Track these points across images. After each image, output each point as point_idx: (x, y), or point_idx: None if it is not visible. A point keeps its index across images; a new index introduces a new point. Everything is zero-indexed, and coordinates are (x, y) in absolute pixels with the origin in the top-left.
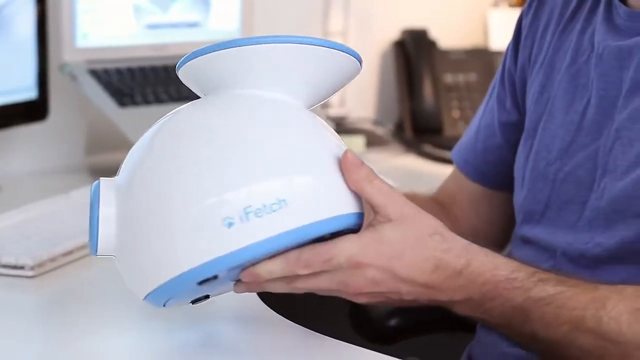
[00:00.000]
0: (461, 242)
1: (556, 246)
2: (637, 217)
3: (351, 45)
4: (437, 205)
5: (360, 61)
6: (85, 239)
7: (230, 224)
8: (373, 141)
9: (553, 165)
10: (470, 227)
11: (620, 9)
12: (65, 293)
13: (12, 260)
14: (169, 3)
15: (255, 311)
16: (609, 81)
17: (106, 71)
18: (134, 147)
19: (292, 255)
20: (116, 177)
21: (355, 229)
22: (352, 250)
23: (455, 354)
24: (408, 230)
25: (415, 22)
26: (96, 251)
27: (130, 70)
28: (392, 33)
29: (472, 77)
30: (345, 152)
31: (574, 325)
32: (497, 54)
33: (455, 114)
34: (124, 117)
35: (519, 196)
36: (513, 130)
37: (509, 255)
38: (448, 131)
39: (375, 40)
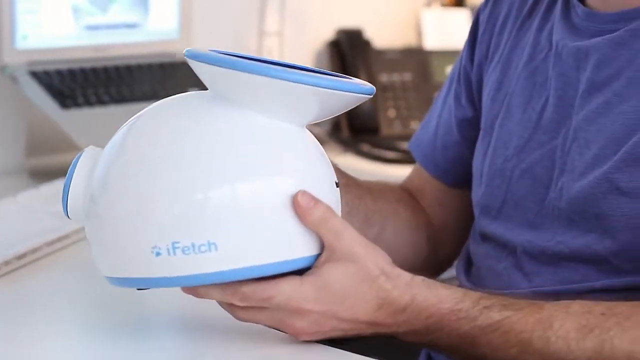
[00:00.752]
0: (404, 279)
1: (516, 243)
2: (597, 218)
3: (286, 45)
4: (407, 194)
5: (372, 93)
6: (39, 240)
7: (157, 254)
8: None
9: (510, 162)
10: (439, 221)
11: (579, 8)
12: (21, 297)
13: None
14: (108, 4)
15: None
16: (567, 81)
17: (47, 73)
18: (110, 143)
19: (231, 286)
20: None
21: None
22: (292, 294)
23: (414, 352)
24: (353, 273)
25: (349, 22)
26: (67, 214)
27: (71, 72)
28: (326, 33)
29: (407, 76)
30: (296, 195)
31: (523, 347)
32: (431, 53)
33: (391, 113)
34: (67, 119)
35: (477, 192)
36: (469, 127)
37: (467, 252)
38: (385, 130)
39: (310, 40)
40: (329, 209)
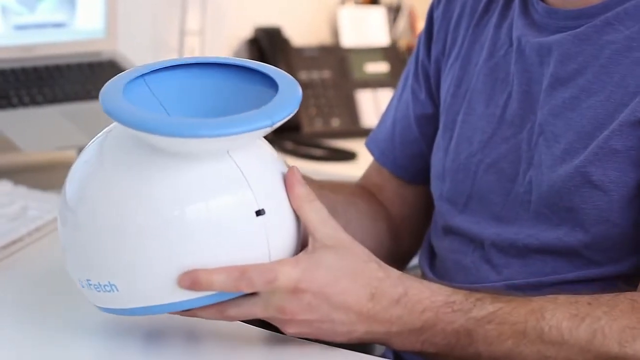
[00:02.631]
0: (396, 272)
1: (483, 236)
2: (568, 212)
3: (206, 44)
4: (363, 189)
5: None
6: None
7: (82, 285)
8: None
9: (475, 157)
10: (399, 214)
11: (538, 5)
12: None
13: None
14: (36, 3)
15: None
16: (530, 77)
17: None
18: (83, 158)
19: (235, 270)
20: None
21: None
22: (293, 274)
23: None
24: (344, 257)
25: (266, 20)
26: None
27: (1, 72)
28: (244, 31)
29: (326, 74)
30: (291, 167)
31: (517, 339)
32: (348, 50)
33: (312, 110)
34: (3, 120)
35: (440, 187)
36: (428, 123)
37: (430, 246)
38: (306, 128)
39: (228, 38)
40: (312, 192)
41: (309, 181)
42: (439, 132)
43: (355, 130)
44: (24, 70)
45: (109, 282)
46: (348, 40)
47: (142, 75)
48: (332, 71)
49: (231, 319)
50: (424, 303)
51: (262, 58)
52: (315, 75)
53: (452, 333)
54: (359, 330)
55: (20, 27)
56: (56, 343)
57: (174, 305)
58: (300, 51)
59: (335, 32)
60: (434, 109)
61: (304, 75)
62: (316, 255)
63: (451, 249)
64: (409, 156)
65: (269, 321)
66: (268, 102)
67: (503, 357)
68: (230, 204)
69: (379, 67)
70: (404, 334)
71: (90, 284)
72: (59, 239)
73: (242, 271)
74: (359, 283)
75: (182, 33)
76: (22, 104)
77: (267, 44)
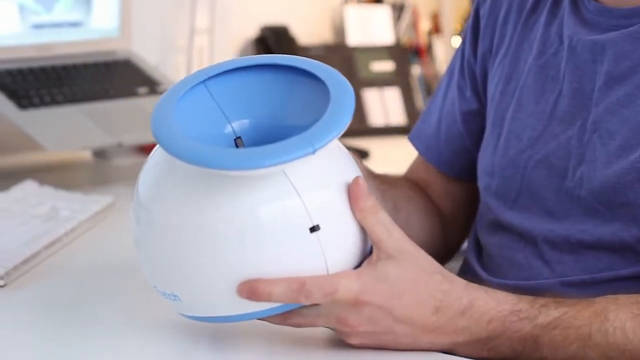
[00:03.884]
0: (461, 282)
1: (535, 233)
2: (622, 207)
3: (215, 43)
4: (419, 187)
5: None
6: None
7: (155, 289)
8: None
9: (524, 153)
10: (447, 210)
11: (590, 4)
12: (39, 300)
13: None
14: (53, 3)
15: None
16: (582, 74)
17: None
18: (152, 163)
19: (295, 282)
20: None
21: None
22: (353, 287)
23: None
24: (408, 269)
25: (270, 19)
26: None
27: (21, 71)
28: (250, 30)
29: None
30: (356, 179)
31: (583, 342)
32: (354, 49)
33: None
34: (27, 120)
35: (489, 183)
36: (474, 119)
37: (476, 241)
38: None
39: (234, 37)
40: (377, 203)
41: (370, 175)
42: (487, 129)
43: (363, 129)
44: (42, 70)
45: (172, 292)
46: (353, 39)
47: (203, 81)
48: (338, 69)
49: (294, 326)
50: (491, 313)
51: None
52: None
53: (519, 340)
54: (423, 341)
55: (38, 27)
56: (108, 341)
57: (235, 317)
58: (306, 50)
59: (339, 31)
60: (480, 106)
61: None
62: (379, 267)
63: (501, 244)
64: (454, 152)
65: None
66: (321, 102)
67: None
68: (285, 221)
69: (385, 66)
70: (470, 344)
71: (158, 290)
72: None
73: (301, 283)
74: (423, 296)
75: (192, 32)
76: (43, 103)
77: (274, 43)
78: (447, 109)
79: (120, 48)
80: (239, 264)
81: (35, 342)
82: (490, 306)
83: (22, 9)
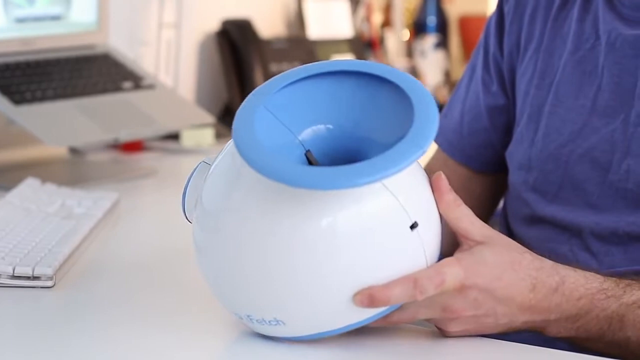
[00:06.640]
0: (549, 261)
1: (581, 225)
2: None
3: (181, 36)
4: None
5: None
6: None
7: (239, 316)
8: (220, 133)
9: (565, 148)
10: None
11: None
12: (85, 301)
13: (27, 271)
14: None
15: None
16: (622, 69)
17: None
18: (219, 163)
19: (408, 281)
20: (212, 165)
21: None
22: (459, 273)
23: None
24: (501, 251)
25: (232, 13)
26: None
27: (8, 66)
28: (212, 24)
29: (296, 65)
30: (439, 174)
31: None
32: (314, 42)
33: None
34: (24, 116)
35: (525, 178)
36: (501, 114)
37: (510, 234)
38: None
39: (196, 31)
40: (457, 196)
41: None
42: (522, 123)
43: None
44: (28, 65)
45: (275, 318)
46: (314, 32)
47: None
48: (301, 63)
49: (394, 323)
50: (580, 290)
51: (234, 51)
52: (285, 67)
53: (605, 319)
54: (519, 320)
55: (21, 20)
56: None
57: (342, 329)
58: (268, 43)
59: (300, 25)
60: (507, 101)
61: (274, 67)
62: (476, 252)
63: (542, 237)
64: (477, 146)
65: (431, 322)
66: (399, 108)
67: None
68: (387, 223)
69: (345, 58)
70: (560, 321)
71: (251, 319)
72: (200, 267)
73: (414, 281)
74: (520, 275)
75: (160, 26)
76: (35, 99)
77: (239, 37)
78: (471, 103)
79: (99, 42)
80: (351, 275)
81: (97, 341)
82: (580, 283)
83: (5, 2)
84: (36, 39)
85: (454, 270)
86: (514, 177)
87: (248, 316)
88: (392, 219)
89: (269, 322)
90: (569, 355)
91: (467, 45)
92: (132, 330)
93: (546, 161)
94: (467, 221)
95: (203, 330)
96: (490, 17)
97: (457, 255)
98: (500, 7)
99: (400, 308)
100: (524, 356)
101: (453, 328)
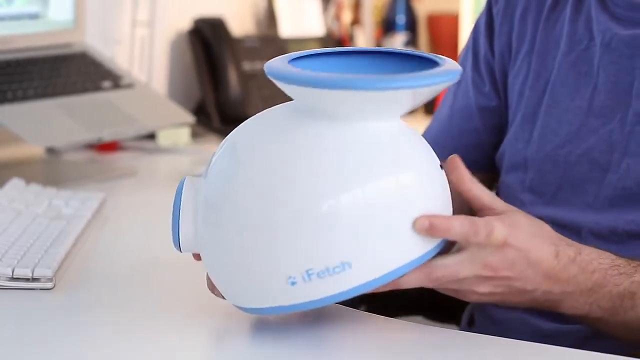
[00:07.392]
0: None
1: (580, 225)
2: None
3: (154, 34)
4: None
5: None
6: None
7: (293, 283)
8: (195, 132)
9: (563, 149)
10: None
11: (619, 0)
12: (84, 302)
13: (27, 273)
14: None
15: None
16: (620, 69)
17: None
18: (215, 167)
19: (465, 219)
20: (201, 177)
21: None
22: (504, 229)
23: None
24: (530, 218)
25: (204, 11)
26: (180, 248)
27: None
28: (183, 22)
29: None
30: (455, 155)
31: None
32: (287, 40)
33: (258, 100)
34: (7, 116)
35: (520, 178)
36: (492, 115)
37: None
38: None
39: (168, 29)
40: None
41: None
42: (516, 124)
43: None
44: (8, 64)
45: (341, 262)
46: (286, 30)
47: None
48: None
49: (437, 280)
50: (594, 264)
51: (206, 49)
52: (258, 65)
53: (617, 296)
54: (541, 289)
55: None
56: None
57: (406, 266)
58: (240, 42)
59: (271, 23)
60: (499, 101)
61: (247, 65)
62: (510, 216)
63: None
64: (465, 146)
65: (458, 288)
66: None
67: None
68: (430, 159)
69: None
70: (575, 294)
71: (310, 274)
72: (225, 255)
73: (471, 221)
74: (547, 241)
75: (133, 24)
76: (15, 98)
77: (211, 35)
78: (460, 104)
79: (77, 40)
80: (408, 209)
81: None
82: (593, 257)
83: None
84: (14, 38)
85: (500, 225)
86: (508, 177)
87: (307, 271)
88: (432, 155)
89: (334, 269)
90: (569, 353)
91: (436, 44)
92: (132, 330)
93: (543, 162)
94: (488, 194)
95: (203, 327)
96: (479, 19)
97: (498, 215)
98: (489, 8)
99: (443, 264)
100: (524, 357)
101: (483, 289)
